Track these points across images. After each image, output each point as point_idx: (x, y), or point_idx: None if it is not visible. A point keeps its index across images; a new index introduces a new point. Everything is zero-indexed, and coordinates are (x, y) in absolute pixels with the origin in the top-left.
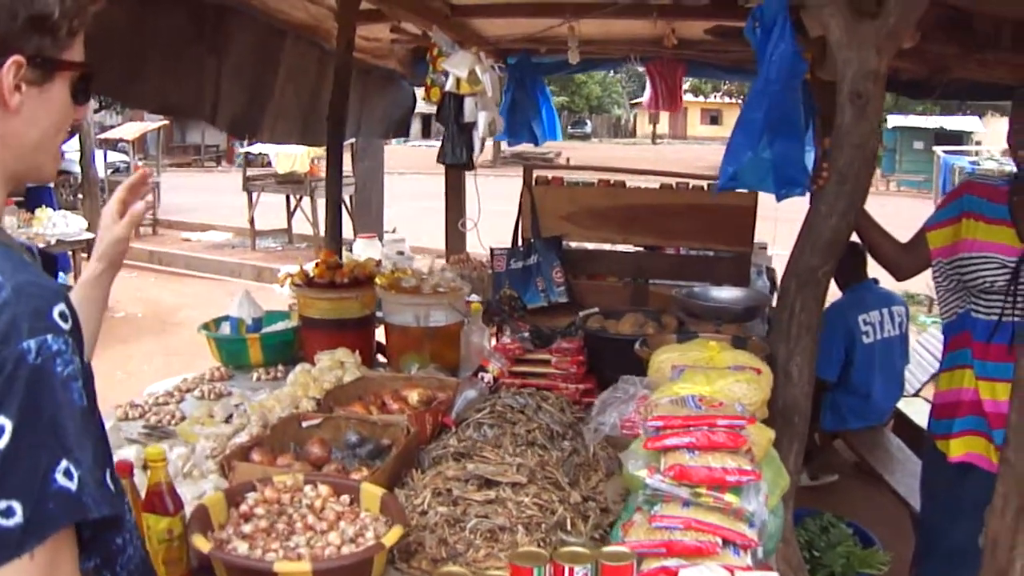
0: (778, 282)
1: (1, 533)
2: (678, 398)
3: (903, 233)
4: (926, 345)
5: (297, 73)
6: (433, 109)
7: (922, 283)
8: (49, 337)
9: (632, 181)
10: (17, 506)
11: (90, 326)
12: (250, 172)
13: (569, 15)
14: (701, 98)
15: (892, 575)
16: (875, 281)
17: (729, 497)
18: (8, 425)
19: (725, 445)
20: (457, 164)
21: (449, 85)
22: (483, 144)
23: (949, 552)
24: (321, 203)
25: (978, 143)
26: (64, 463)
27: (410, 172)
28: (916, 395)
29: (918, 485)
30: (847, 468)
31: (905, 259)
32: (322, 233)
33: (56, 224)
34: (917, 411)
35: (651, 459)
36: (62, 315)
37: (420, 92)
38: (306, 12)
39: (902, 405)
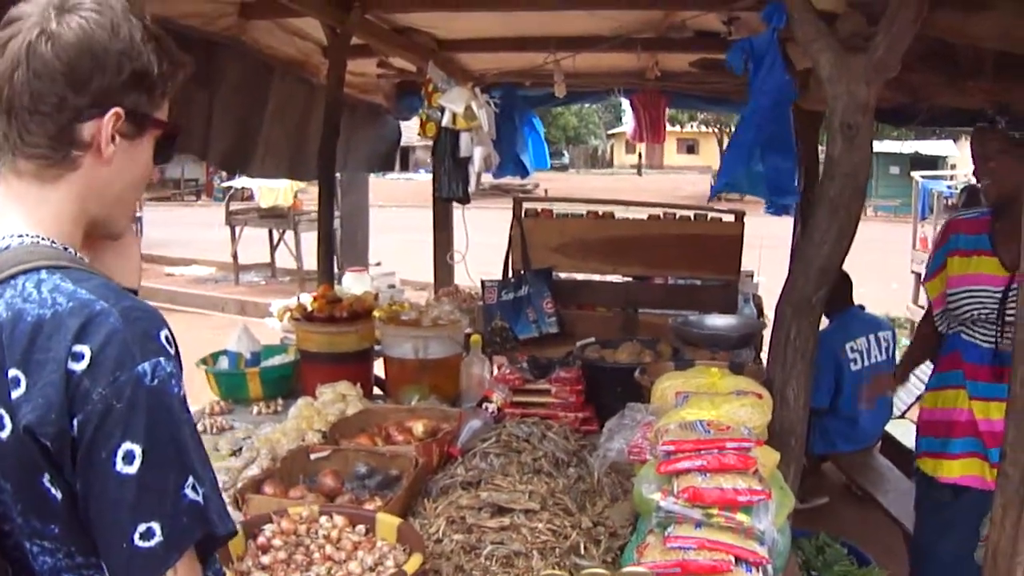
0: (764, 309)
1: (146, 554)
2: (686, 423)
3: (879, 256)
4: None
5: (285, 108)
6: (412, 142)
7: (902, 307)
8: (161, 359)
9: (620, 212)
10: (156, 526)
11: None
12: (233, 206)
13: (554, 49)
14: (678, 127)
15: None
16: (861, 307)
17: (740, 517)
18: (137, 450)
19: (735, 467)
20: (454, 198)
21: (445, 121)
22: (479, 178)
23: (941, 567)
24: (304, 237)
25: (953, 166)
26: (191, 479)
27: (389, 205)
28: (902, 417)
29: (909, 504)
30: (836, 490)
31: (930, 327)
32: (305, 267)
33: None
34: (904, 432)
35: (663, 482)
36: (167, 339)
37: (404, 126)
38: (294, 47)
39: (889, 427)
